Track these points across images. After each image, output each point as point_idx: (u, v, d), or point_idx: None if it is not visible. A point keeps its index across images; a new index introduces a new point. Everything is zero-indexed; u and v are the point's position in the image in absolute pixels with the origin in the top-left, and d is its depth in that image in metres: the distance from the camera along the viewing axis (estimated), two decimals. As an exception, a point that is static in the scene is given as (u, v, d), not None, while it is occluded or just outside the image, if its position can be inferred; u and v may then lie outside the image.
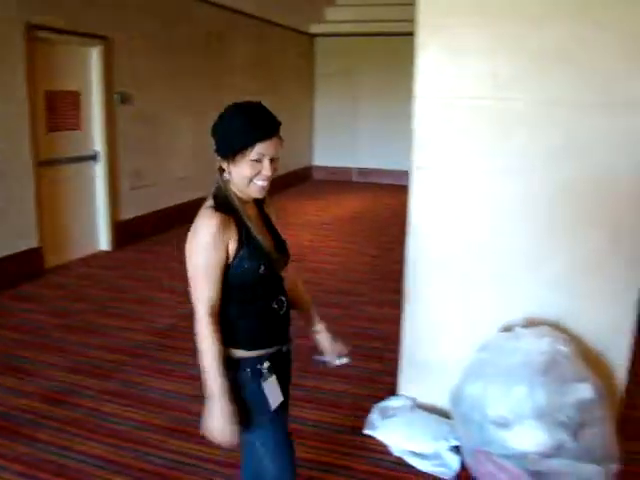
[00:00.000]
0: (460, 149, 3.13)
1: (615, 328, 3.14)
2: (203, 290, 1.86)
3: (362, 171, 12.58)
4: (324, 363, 2.35)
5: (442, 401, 3.28)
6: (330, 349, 2.31)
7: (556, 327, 3.04)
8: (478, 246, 3.20)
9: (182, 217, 8.43)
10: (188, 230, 1.90)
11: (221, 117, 1.90)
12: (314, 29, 12.14)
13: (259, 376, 1.99)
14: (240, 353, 1.97)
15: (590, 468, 2.73)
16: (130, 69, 7.13)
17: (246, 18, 9.63)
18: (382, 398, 3.58)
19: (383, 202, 10.66)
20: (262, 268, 1.94)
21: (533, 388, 2.68)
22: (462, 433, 2.99)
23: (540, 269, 3.13)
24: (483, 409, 2.78)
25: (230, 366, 1.92)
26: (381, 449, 3.24)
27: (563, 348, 2.82)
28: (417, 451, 3.14)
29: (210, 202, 1.91)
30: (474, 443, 2.87)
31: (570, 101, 2.91)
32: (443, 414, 3.32)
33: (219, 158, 1.92)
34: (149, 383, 3.92)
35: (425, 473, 3.06)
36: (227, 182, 1.93)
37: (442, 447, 3.13)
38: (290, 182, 11.63)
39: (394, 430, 3.29)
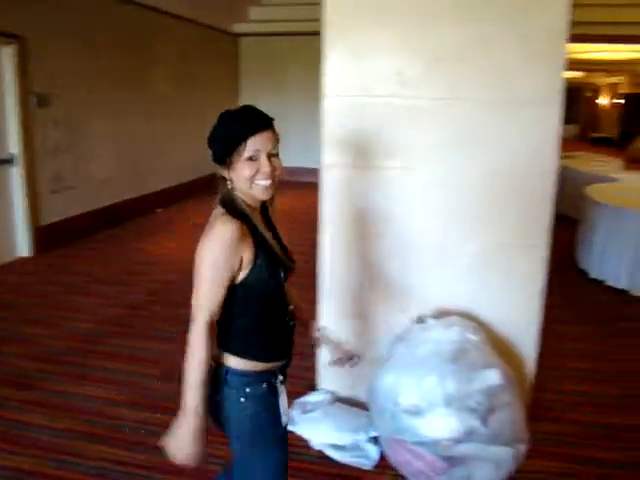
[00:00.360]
0: (368, 147, 3.20)
1: (524, 317, 3.28)
2: (207, 299, 1.77)
3: (291, 170, 12.60)
4: (342, 366, 2.32)
5: (361, 394, 3.35)
6: (342, 351, 2.28)
7: (467, 317, 3.16)
8: (389, 240, 3.29)
9: (107, 220, 8.40)
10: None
11: (213, 127, 1.84)
12: (238, 29, 12.09)
13: (275, 390, 1.94)
14: (258, 366, 1.90)
15: (500, 450, 2.85)
16: (47, 70, 6.94)
17: (168, 17, 9.52)
18: (303, 394, 3.63)
19: (311, 200, 10.68)
20: (281, 277, 1.91)
21: (443, 376, 2.78)
22: (378, 423, 3.07)
23: (449, 261, 3.24)
24: (396, 399, 2.86)
25: (244, 380, 1.88)
26: (301, 444, 3.28)
27: (472, 337, 2.93)
28: (336, 443, 3.21)
29: (220, 210, 1.82)
30: (389, 432, 2.96)
31: (472, 98, 3.03)
32: (362, 406, 3.39)
33: (219, 168, 1.86)
34: (72, 390, 3.85)
35: (345, 465, 3.13)
36: (232, 190, 1.85)
37: (361, 438, 3.21)
38: (217, 185, 11.50)
39: (314, 424, 3.34)
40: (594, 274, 6.44)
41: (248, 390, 1.88)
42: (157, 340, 4.63)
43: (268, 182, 1.83)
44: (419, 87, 3.07)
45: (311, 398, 3.55)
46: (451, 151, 3.12)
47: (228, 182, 1.85)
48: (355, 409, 3.44)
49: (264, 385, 1.91)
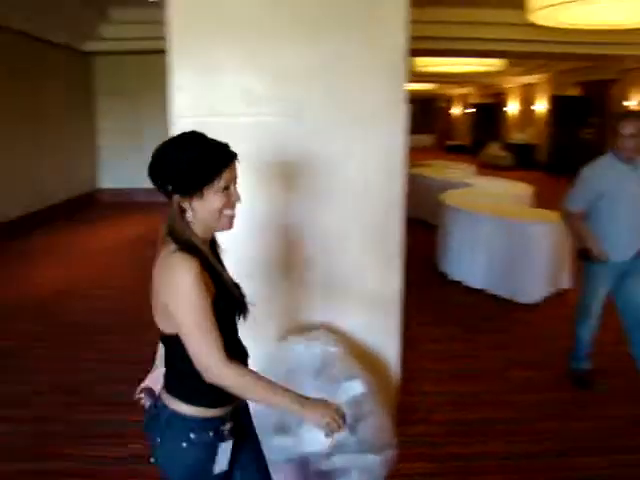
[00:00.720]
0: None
1: (384, 323, 3.36)
2: (211, 340, 1.66)
3: (150, 191, 12.25)
4: None
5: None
6: None
7: (329, 329, 3.19)
8: (243, 262, 3.25)
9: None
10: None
11: (171, 155, 1.71)
12: (90, 47, 11.65)
13: (222, 437, 1.83)
14: (205, 412, 1.79)
15: (370, 458, 2.88)
16: None
17: (7, 35, 9.01)
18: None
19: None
20: (238, 313, 1.83)
21: (308, 392, 2.76)
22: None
23: (309, 276, 3.26)
24: (264, 418, 2.83)
25: (188, 425, 1.77)
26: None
27: (334, 349, 2.96)
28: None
29: (172, 247, 1.70)
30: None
31: (318, 114, 3.08)
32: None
33: (175, 198, 1.72)
34: None
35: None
36: (189, 224, 1.74)
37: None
38: (73, 208, 11.02)
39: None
40: (453, 276, 6.76)
41: (192, 436, 1.78)
42: None
43: (234, 212, 1.80)
44: (266, 105, 3.07)
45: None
46: (298, 169, 3.15)
47: (188, 215, 1.74)
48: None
49: (210, 433, 1.80)
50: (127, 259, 7.96)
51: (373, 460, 2.88)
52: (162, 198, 1.77)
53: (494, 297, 6.22)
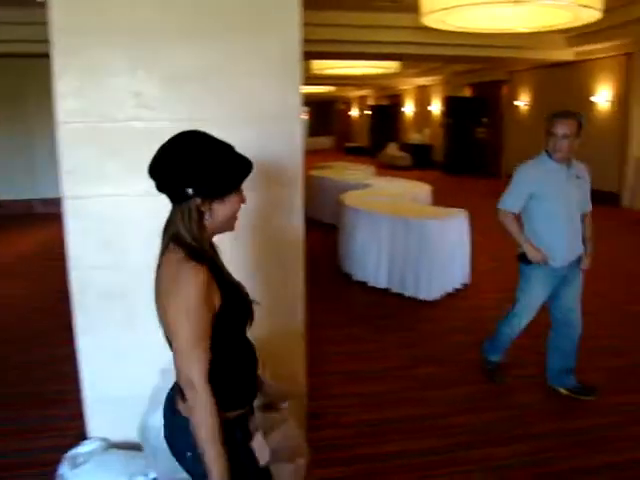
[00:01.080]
0: (110, 174, 3.01)
1: (288, 329, 3.32)
2: (199, 356, 1.63)
3: (46, 201, 11.70)
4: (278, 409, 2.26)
5: (135, 435, 3.15)
6: (281, 394, 2.24)
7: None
8: (137, 271, 3.12)
9: None
10: None
11: (198, 159, 1.67)
12: (-30, 50, 10.99)
13: (249, 433, 1.83)
14: (230, 415, 1.75)
15: (281, 468, 2.83)
16: None
17: None
18: (73, 445, 3.33)
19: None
20: (249, 315, 1.82)
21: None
22: (154, 464, 2.90)
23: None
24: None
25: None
26: (74, 501, 3.01)
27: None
28: (113, 493, 2.98)
29: (180, 253, 1.66)
30: (167, 472, 2.80)
31: (213, 117, 2.99)
32: (139, 448, 3.19)
33: (194, 201, 1.68)
34: None
35: (123, 513, 2.91)
36: (205, 228, 1.72)
37: (139, 482, 3.01)
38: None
39: (87, 477, 3.07)
40: (357, 276, 6.81)
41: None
42: None
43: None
44: (159, 109, 2.96)
45: (82, 449, 3.25)
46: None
47: (206, 217, 1.72)
48: (132, 452, 3.22)
49: (238, 434, 1.78)
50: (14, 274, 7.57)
51: (285, 469, 2.83)
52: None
53: (398, 295, 6.32)
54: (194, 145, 1.72)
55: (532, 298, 4.05)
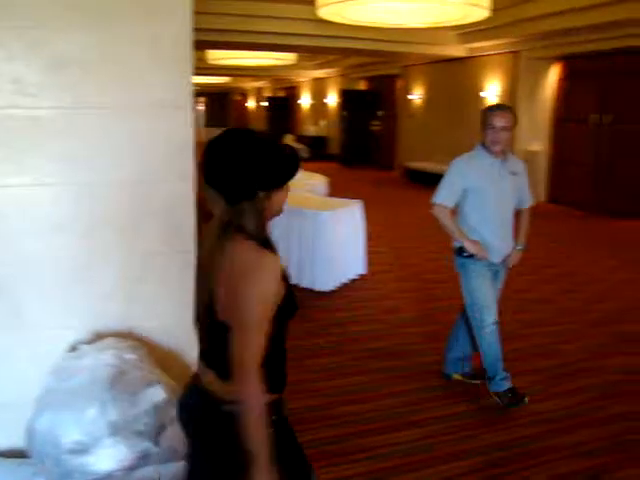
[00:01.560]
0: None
1: (183, 324, 3.23)
2: (260, 341, 1.69)
3: None
4: None
5: (21, 441, 2.98)
6: None
7: (125, 335, 3.01)
8: (24, 263, 2.96)
9: None
10: None
11: (258, 151, 1.74)
12: None
13: (284, 418, 1.93)
14: (272, 397, 1.81)
15: (177, 466, 2.78)
16: None
17: None
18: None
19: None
20: (297, 308, 1.88)
21: (104, 405, 2.60)
22: (42, 471, 2.76)
23: (95, 279, 3.05)
24: (57, 440, 2.59)
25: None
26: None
27: (130, 356, 2.79)
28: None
29: (249, 241, 1.73)
30: (57, 478, 2.68)
31: (99, 105, 2.87)
32: (25, 455, 3.03)
33: (261, 195, 1.75)
34: None
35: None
36: (267, 219, 1.81)
37: (26, 491, 2.86)
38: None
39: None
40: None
41: (273, 418, 1.79)
42: None
43: None
44: (41, 96, 2.79)
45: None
46: (82, 163, 2.92)
47: (267, 209, 1.79)
48: (17, 460, 3.04)
49: (273, 416, 1.81)
50: None
51: (181, 468, 2.78)
52: None
53: (295, 287, 6.31)
54: (250, 145, 1.77)
55: (483, 290, 3.89)
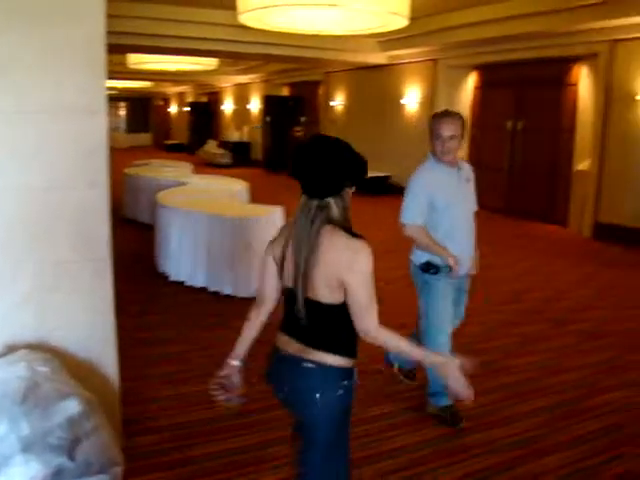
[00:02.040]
0: None
1: (99, 334, 3.17)
2: (375, 310, 2.10)
3: None
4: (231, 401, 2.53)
5: None
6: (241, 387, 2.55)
7: (37, 347, 2.91)
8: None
9: None
10: None
11: (347, 153, 2.11)
12: None
13: (354, 383, 2.25)
14: (350, 362, 2.22)
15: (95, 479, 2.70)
16: None
17: None
18: None
19: None
20: None
21: (15, 420, 2.49)
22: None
23: (7, 290, 2.93)
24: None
25: (342, 374, 2.19)
26: None
27: (42, 369, 2.69)
28: None
29: (342, 232, 2.10)
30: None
31: (3, 110, 2.78)
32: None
33: (347, 190, 2.16)
34: None
35: None
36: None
37: None
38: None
39: None
40: (173, 277, 6.68)
41: (345, 383, 2.19)
42: None
43: None
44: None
45: None
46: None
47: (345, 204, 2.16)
48: None
49: (352, 379, 2.23)
50: None
51: (99, 480, 2.70)
52: None
53: (216, 294, 6.28)
54: (339, 149, 2.11)
55: (444, 311, 3.76)
